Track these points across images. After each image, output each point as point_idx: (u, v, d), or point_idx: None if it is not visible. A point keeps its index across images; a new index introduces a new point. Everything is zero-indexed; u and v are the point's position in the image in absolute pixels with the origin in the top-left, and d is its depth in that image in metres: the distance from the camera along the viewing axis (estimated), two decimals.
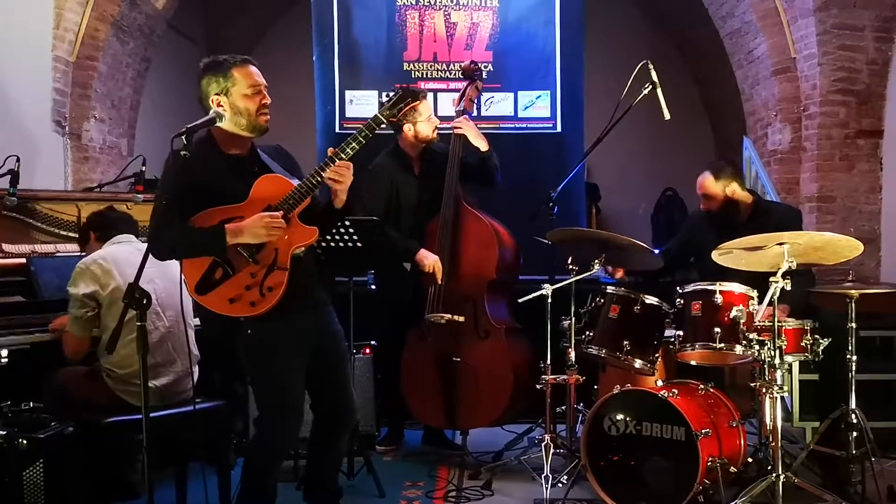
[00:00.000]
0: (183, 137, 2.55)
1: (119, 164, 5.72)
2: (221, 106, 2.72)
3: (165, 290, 3.24)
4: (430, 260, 3.97)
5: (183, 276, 2.77)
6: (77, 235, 3.97)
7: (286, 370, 2.82)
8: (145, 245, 3.27)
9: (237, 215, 2.72)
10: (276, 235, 2.70)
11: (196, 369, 3.31)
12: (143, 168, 4.52)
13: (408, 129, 4.08)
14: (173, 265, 3.23)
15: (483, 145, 4.10)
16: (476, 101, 4.34)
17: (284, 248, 2.73)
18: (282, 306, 2.72)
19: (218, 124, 2.73)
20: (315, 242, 2.81)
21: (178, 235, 2.71)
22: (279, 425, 2.86)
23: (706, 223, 4.01)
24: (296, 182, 2.76)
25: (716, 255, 3.35)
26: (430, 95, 4.28)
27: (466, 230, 4.02)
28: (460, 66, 4.51)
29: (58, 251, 3.89)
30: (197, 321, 3.35)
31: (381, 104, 2.85)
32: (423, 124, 4.06)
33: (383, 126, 2.80)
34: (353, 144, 2.72)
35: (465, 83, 4.26)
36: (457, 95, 4.37)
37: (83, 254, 3.72)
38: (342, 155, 2.73)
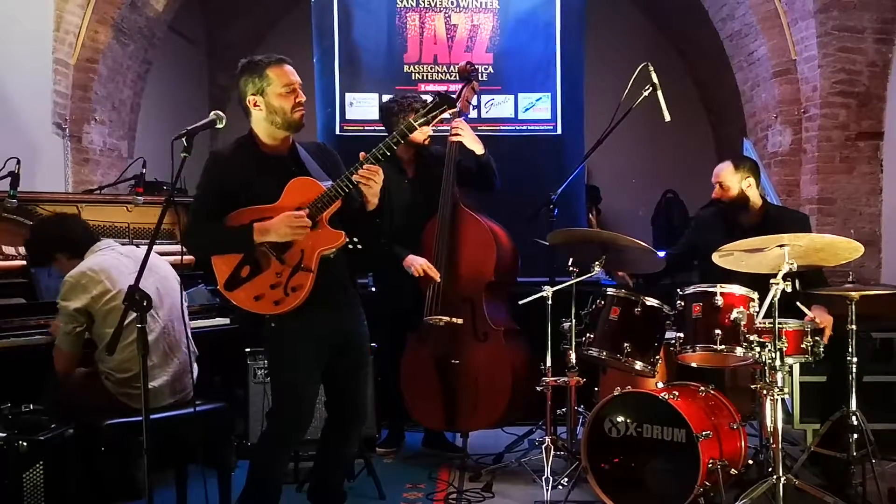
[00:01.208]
0: (183, 140, 2.57)
1: (119, 166, 5.72)
2: (258, 106, 2.80)
3: (156, 293, 3.23)
4: (417, 264, 3.95)
5: (178, 277, 2.82)
6: None
7: (303, 366, 2.87)
8: (128, 248, 3.32)
9: (268, 216, 2.78)
10: (302, 235, 2.75)
11: (195, 366, 3.30)
12: (144, 170, 4.53)
13: None
14: (161, 266, 3.26)
15: (479, 149, 4.07)
16: (475, 102, 4.33)
17: (310, 250, 2.79)
18: (307, 304, 2.78)
19: (254, 123, 2.83)
20: (338, 249, 2.83)
21: (209, 233, 2.83)
22: (290, 419, 2.91)
23: (713, 225, 3.98)
24: (328, 185, 2.80)
25: (716, 258, 3.34)
26: (428, 99, 4.27)
27: (464, 232, 4.01)
28: (456, 67, 4.51)
29: None
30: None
31: (415, 111, 2.88)
32: (416, 131, 4.05)
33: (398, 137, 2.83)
34: (384, 150, 2.78)
35: (461, 84, 4.25)
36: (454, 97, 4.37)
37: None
38: (371, 159, 2.77)
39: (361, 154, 2.80)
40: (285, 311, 2.79)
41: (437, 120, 2.88)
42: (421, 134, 4.06)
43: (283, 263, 2.79)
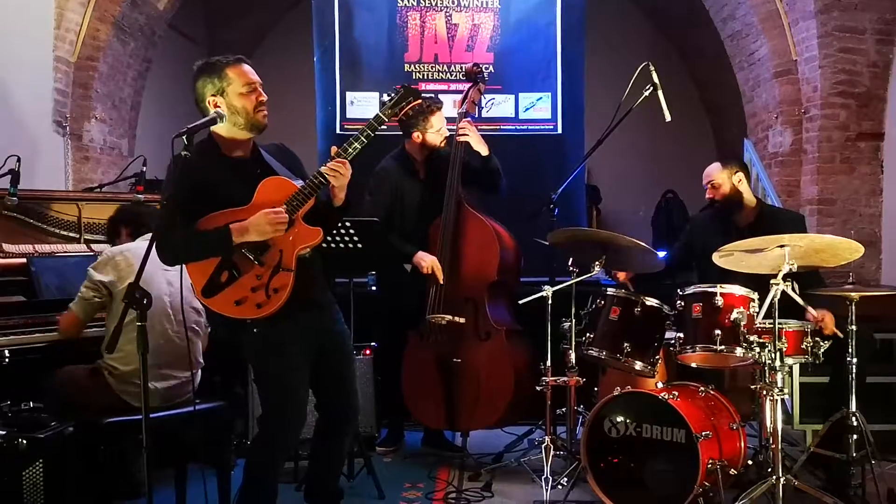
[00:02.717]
0: (184, 138, 2.55)
1: (120, 164, 5.73)
2: (219, 107, 2.72)
3: (169, 294, 3.24)
4: (427, 261, 3.97)
5: (190, 282, 2.79)
6: (77, 236, 3.99)
7: (290, 369, 2.84)
8: None
9: (242, 218, 2.72)
10: (282, 230, 2.71)
11: (199, 373, 3.31)
12: (144, 168, 4.54)
13: (416, 136, 4.08)
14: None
15: (483, 150, 4.09)
16: (478, 102, 4.34)
17: (289, 249, 2.75)
18: (287, 306, 2.74)
19: (218, 125, 2.74)
20: (314, 247, 2.81)
21: (184, 240, 2.72)
22: (282, 424, 2.88)
23: (709, 226, 4.00)
24: (299, 183, 2.78)
25: (716, 258, 3.34)
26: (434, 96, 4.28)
27: (468, 232, 4.02)
28: (463, 68, 4.52)
29: (58, 251, 3.89)
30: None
31: (382, 104, 2.88)
32: (432, 134, 4.07)
33: (384, 125, 2.83)
34: (356, 144, 2.76)
35: (467, 85, 4.25)
36: (458, 97, 4.37)
37: (87, 253, 3.73)
38: (343, 155, 2.76)
39: (333, 148, 2.79)
40: (268, 314, 2.74)
41: (403, 111, 2.86)
42: (438, 136, 4.07)
43: (262, 265, 2.73)
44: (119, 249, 3.25)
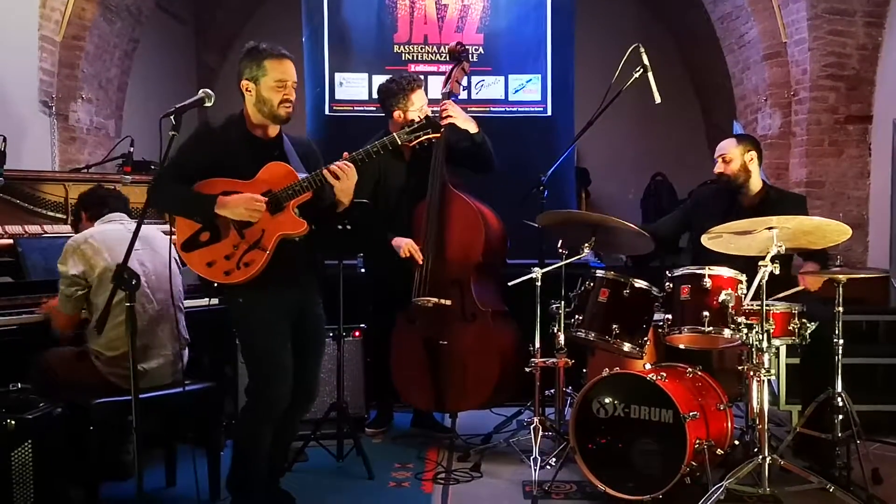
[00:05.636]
0: (171, 118, 2.58)
1: (106, 145, 5.68)
2: (249, 91, 2.91)
3: (155, 273, 3.23)
4: (403, 245, 3.97)
5: (175, 259, 2.92)
6: (65, 216, 3.97)
7: (277, 335, 2.94)
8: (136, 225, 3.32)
9: (237, 190, 2.87)
10: (255, 218, 2.85)
11: (186, 352, 3.31)
12: (131, 149, 4.50)
13: (398, 115, 4.05)
14: (164, 248, 3.26)
15: (472, 127, 4.04)
16: (465, 82, 4.29)
17: (271, 231, 2.88)
18: (271, 278, 2.88)
19: (246, 106, 2.93)
20: (300, 236, 2.92)
21: (176, 193, 2.91)
22: (275, 387, 2.94)
23: (712, 204, 3.95)
24: (303, 176, 2.91)
25: (705, 240, 3.34)
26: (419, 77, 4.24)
27: (452, 213, 4.01)
28: (446, 48, 4.48)
29: (45, 232, 3.87)
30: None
31: (403, 128, 3.11)
32: (414, 112, 4.03)
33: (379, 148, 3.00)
34: (364, 155, 2.96)
35: (451, 65, 4.21)
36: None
37: (71, 234, 3.70)
38: (352, 161, 2.93)
39: (345, 154, 2.93)
40: (233, 283, 2.88)
41: (419, 140, 3.06)
42: (419, 114, 4.03)
43: (241, 238, 2.88)
44: (83, 237, 3.22)
